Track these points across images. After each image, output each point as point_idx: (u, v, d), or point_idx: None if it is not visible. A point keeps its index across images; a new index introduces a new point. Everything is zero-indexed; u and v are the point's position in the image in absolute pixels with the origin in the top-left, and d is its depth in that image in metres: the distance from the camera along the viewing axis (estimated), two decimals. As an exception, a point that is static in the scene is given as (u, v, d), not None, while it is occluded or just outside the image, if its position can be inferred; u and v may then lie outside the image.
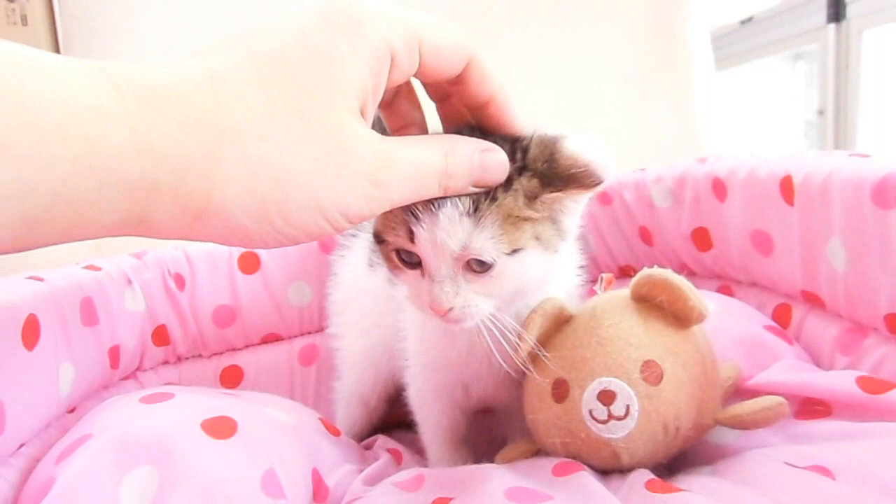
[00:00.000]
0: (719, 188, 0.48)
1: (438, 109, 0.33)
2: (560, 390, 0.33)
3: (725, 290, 0.51)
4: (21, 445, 0.36)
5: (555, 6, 0.72)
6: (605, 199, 0.57)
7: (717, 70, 2.38)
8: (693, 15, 0.71)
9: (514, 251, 0.30)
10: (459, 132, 0.31)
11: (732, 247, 0.48)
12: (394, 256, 0.32)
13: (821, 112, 1.97)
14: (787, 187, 0.41)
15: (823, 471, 0.29)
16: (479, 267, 0.30)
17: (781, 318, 0.45)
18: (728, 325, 0.43)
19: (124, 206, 0.21)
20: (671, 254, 0.55)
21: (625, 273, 0.59)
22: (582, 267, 0.40)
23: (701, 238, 0.51)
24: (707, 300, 0.46)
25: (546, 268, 0.32)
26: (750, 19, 2.22)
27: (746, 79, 2.44)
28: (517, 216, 0.30)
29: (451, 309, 0.31)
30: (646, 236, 0.56)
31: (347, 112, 0.24)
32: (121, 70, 0.22)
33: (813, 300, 0.42)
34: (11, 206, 0.19)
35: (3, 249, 0.20)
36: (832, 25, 1.86)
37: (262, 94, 0.23)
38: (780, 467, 0.29)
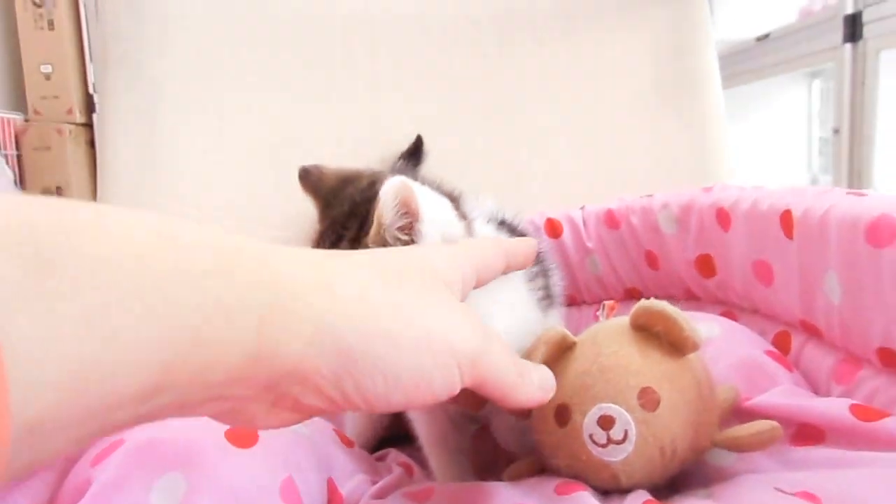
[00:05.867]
0: (723, 218, 0.49)
1: None
2: (563, 415, 0.35)
3: (729, 316, 0.53)
4: (58, 449, 0.38)
5: (569, 32, 0.75)
6: (612, 222, 0.59)
7: (732, 86, 2.39)
8: (702, 42, 0.74)
9: None
10: None
11: (735, 275, 0.50)
12: None
13: (836, 131, 1.97)
14: (787, 221, 0.42)
15: (812, 497, 0.30)
16: None
17: (782, 344, 0.47)
18: (730, 348, 0.45)
19: (248, 337, 0.21)
20: (676, 278, 0.56)
21: (631, 295, 0.61)
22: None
23: (705, 265, 0.53)
24: (713, 323, 0.49)
25: None
26: (766, 36, 2.23)
27: (762, 95, 2.45)
28: None
29: None
30: (652, 260, 0.58)
31: (438, 282, 0.28)
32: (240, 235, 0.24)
33: (811, 330, 0.44)
34: (156, 350, 0.19)
35: (136, 403, 0.19)
36: (848, 45, 1.86)
37: (371, 260, 0.27)
38: (771, 493, 0.31)
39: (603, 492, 0.35)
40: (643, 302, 0.35)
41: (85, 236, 0.18)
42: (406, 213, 0.33)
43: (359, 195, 0.39)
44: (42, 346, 0.16)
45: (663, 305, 0.35)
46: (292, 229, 0.70)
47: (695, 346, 0.34)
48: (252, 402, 0.23)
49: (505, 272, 0.35)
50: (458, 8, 0.76)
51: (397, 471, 0.47)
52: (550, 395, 0.33)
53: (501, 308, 0.39)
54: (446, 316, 0.26)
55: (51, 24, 2.64)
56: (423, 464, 0.50)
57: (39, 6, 2.63)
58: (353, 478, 0.44)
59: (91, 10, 2.53)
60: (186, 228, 0.22)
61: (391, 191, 0.32)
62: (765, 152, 2.48)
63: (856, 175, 1.87)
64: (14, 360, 0.15)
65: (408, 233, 0.33)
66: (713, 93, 0.73)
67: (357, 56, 0.74)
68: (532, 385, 0.31)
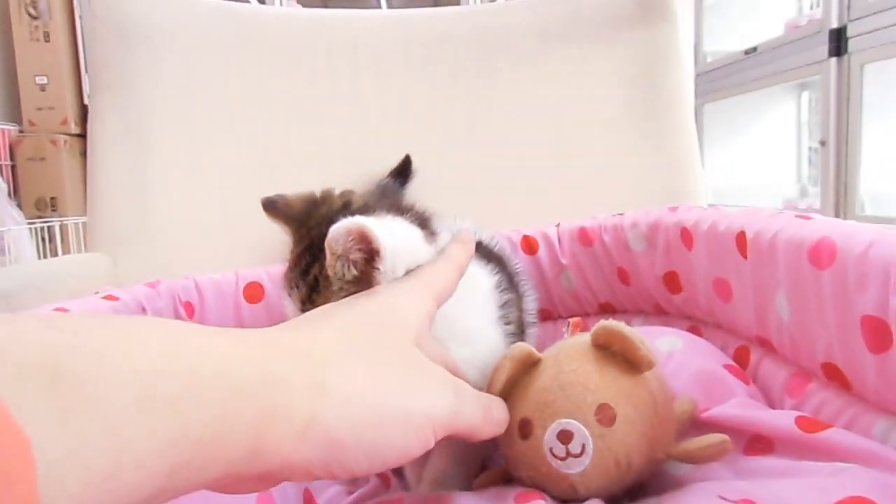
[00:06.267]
0: (687, 237, 0.52)
1: None
2: (525, 429, 0.37)
3: (695, 330, 0.55)
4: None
5: (545, 55, 0.77)
6: (586, 240, 0.62)
7: (723, 98, 2.43)
8: (673, 66, 0.76)
9: None
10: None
11: (699, 291, 0.52)
12: None
13: (822, 143, 2.01)
14: (741, 242, 0.45)
15: (752, 504, 0.32)
16: None
17: (741, 358, 0.49)
18: (691, 361, 0.47)
19: (247, 438, 0.23)
20: (646, 294, 0.58)
21: (604, 310, 0.63)
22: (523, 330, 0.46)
23: (672, 281, 0.55)
24: (675, 337, 0.51)
25: None
26: (754, 49, 2.27)
27: (753, 106, 2.48)
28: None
29: None
30: (623, 276, 0.60)
31: (411, 342, 0.31)
32: (240, 330, 0.27)
33: (766, 345, 0.46)
34: (164, 457, 0.20)
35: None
36: (834, 59, 1.90)
37: (350, 331, 0.29)
38: (714, 499, 0.33)
39: (561, 501, 0.37)
40: (602, 322, 0.37)
41: (100, 358, 0.20)
42: (362, 248, 0.34)
43: (336, 216, 0.41)
44: (64, 462, 0.17)
45: (621, 326, 0.37)
46: (273, 243, 0.72)
47: (649, 365, 0.36)
48: (244, 482, 0.25)
49: None
50: (438, 32, 0.78)
51: (374, 481, 0.48)
52: (503, 428, 0.35)
53: (468, 334, 0.40)
54: (425, 388, 0.29)
55: (46, 36, 2.67)
56: (400, 474, 0.51)
57: (35, 18, 2.66)
58: (329, 488, 0.45)
59: (86, 22, 2.57)
60: (195, 337, 0.24)
61: (341, 229, 0.34)
62: (756, 163, 2.51)
63: (842, 185, 1.91)
64: (40, 479, 0.17)
65: (366, 267, 0.35)
66: (684, 114, 0.76)
67: (340, 78, 0.77)
68: (493, 422, 0.34)
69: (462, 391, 0.31)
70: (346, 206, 0.42)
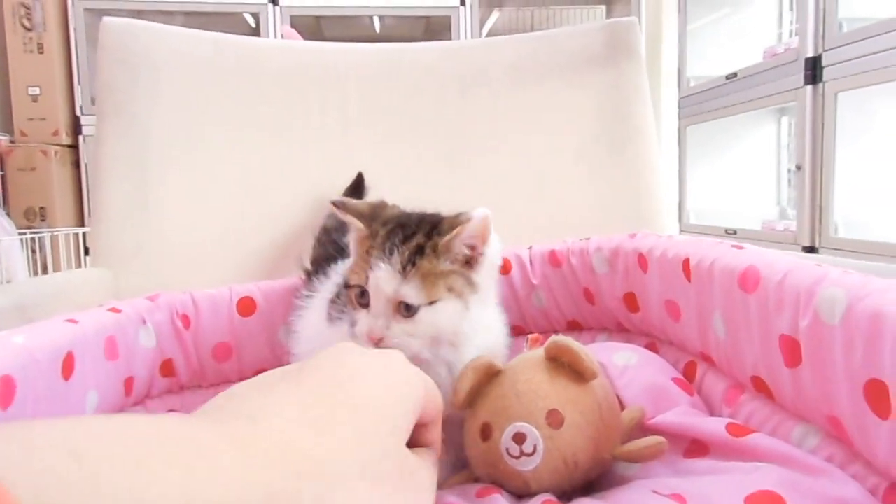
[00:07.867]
0: (643, 262, 0.57)
1: None
2: (486, 431, 0.42)
3: (652, 347, 0.60)
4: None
5: (522, 89, 0.83)
6: (555, 262, 0.67)
7: (705, 121, 2.50)
8: (640, 100, 0.82)
9: (432, 302, 0.43)
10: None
11: (653, 311, 0.57)
12: (354, 297, 0.45)
13: (798, 167, 2.08)
14: (686, 268, 0.50)
15: (679, 498, 0.37)
16: (406, 311, 0.43)
17: (689, 372, 0.54)
18: (643, 375, 0.52)
19: None
20: (608, 313, 0.64)
21: (572, 327, 0.68)
22: (509, 333, 0.52)
23: (630, 301, 0.60)
24: (631, 353, 0.56)
25: (459, 319, 0.44)
26: (735, 75, 2.36)
27: (735, 129, 2.56)
28: (433, 274, 0.43)
29: (381, 339, 0.42)
30: (589, 296, 0.65)
31: (404, 440, 0.31)
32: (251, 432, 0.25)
33: (708, 360, 0.51)
34: None
35: None
36: (809, 87, 1.98)
37: (365, 434, 0.28)
38: (649, 495, 0.38)
39: (517, 496, 0.41)
40: (553, 337, 0.42)
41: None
42: (478, 235, 0.44)
43: (418, 214, 0.49)
44: None
45: (569, 341, 0.42)
46: (264, 262, 0.77)
47: (593, 375, 0.41)
48: None
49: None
50: (424, 66, 0.84)
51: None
52: None
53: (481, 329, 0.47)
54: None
55: (40, 48, 2.71)
56: None
57: (30, 30, 2.70)
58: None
59: (80, 34, 2.62)
60: (201, 461, 0.23)
61: (483, 215, 0.43)
62: (736, 185, 2.59)
63: (817, 209, 1.98)
64: None
65: (471, 250, 0.45)
66: (648, 145, 0.82)
67: (331, 106, 0.82)
68: None
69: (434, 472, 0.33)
70: (406, 213, 0.50)
